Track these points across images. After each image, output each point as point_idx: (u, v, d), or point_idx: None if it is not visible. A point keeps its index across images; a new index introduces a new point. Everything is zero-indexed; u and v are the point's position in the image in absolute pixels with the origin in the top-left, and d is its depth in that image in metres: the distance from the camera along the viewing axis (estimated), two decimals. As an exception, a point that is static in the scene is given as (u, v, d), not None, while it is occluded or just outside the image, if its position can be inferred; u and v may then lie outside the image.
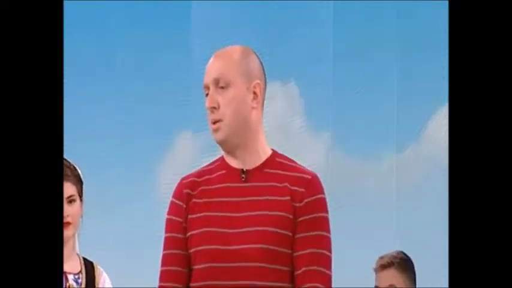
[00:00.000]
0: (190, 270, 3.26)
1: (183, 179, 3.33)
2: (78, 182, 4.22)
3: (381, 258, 4.66)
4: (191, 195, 3.27)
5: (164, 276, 3.31)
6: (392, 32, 8.10)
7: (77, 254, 4.27)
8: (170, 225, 3.31)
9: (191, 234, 3.24)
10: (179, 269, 3.27)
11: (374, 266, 4.68)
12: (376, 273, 4.67)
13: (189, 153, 7.20)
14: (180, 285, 3.26)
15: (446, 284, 3.21)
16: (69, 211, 4.12)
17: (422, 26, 7.62)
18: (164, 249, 3.31)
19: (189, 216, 3.26)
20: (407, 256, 4.71)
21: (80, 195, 4.24)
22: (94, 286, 4.21)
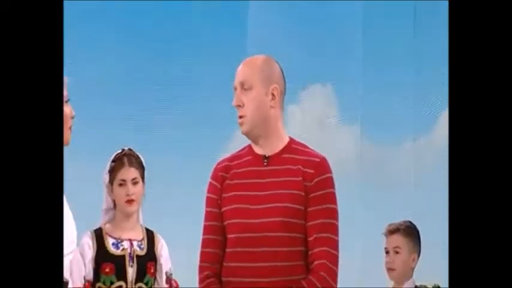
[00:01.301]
0: (225, 238, 3.36)
1: (218, 163, 3.46)
2: (141, 168, 4.18)
3: (389, 225, 4.61)
4: (225, 177, 3.40)
5: (205, 243, 3.42)
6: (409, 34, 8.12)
7: (140, 225, 4.22)
8: (209, 202, 3.43)
9: (225, 210, 3.35)
10: (216, 237, 3.38)
11: (384, 231, 4.60)
12: (385, 237, 4.59)
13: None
14: (217, 251, 3.37)
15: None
16: (134, 191, 4.09)
17: (436, 26, 7.49)
18: (205, 221, 3.43)
19: (223, 195, 3.37)
20: (413, 224, 4.63)
21: (142, 178, 4.17)
22: (154, 250, 4.16)
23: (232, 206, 3.33)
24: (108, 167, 4.12)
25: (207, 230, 3.41)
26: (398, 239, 4.44)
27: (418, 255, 4.49)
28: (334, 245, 3.27)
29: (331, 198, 3.32)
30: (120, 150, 4.15)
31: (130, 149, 4.18)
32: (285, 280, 3.23)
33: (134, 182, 4.09)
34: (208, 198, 3.44)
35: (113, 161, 4.12)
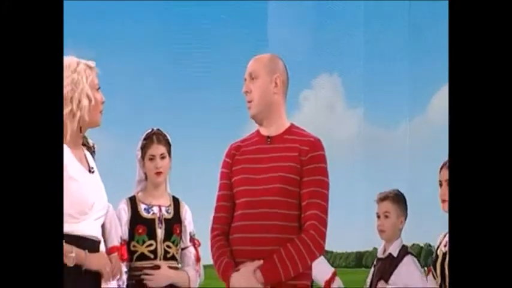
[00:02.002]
0: (234, 205, 3.41)
1: (232, 144, 3.54)
2: (167, 144, 4.19)
3: (380, 193, 4.57)
4: (235, 154, 3.47)
5: (217, 209, 3.48)
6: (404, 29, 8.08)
7: (168, 193, 4.24)
8: (222, 175, 3.50)
9: (234, 180, 3.42)
10: (227, 204, 3.45)
11: (375, 198, 4.57)
12: (377, 204, 4.55)
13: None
14: (226, 215, 3.43)
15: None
16: (161, 164, 4.13)
17: (429, 14, 7.48)
18: (218, 191, 3.50)
19: (233, 168, 3.44)
20: (400, 192, 4.57)
21: (169, 153, 4.19)
22: (179, 215, 4.20)
23: (240, 176, 3.37)
24: (139, 145, 4.14)
25: (219, 198, 3.46)
26: (388, 205, 4.43)
27: (405, 219, 4.46)
28: (323, 209, 3.30)
29: (322, 171, 3.35)
30: (149, 130, 4.18)
31: (158, 129, 4.20)
32: (280, 237, 3.24)
33: (162, 157, 4.10)
34: (222, 172, 3.49)
35: (144, 139, 4.14)
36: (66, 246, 2.99)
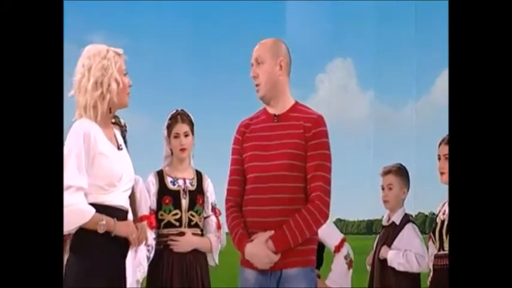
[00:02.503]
0: (245, 178, 3.40)
1: (242, 121, 3.51)
2: (191, 124, 4.21)
3: (384, 167, 4.55)
4: (245, 132, 3.45)
5: (230, 182, 3.47)
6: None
7: (191, 167, 4.27)
8: (233, 151, 3.48)
9: (245, 156, 3.41)
10: (239, 177, 3.43)
11: (380, 172, 4.57)
12: (381, 177, 4.54)
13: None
14: (238, 188, 3.42)
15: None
16: (185, 141, 4.16)
17: (435, 5, 7.47)
18: (230, 166, 3.49)
19: (244, 145, 3.43)
20: (403, 166, 4.54)
21: (192, 132, 4.20)
22: (202, 187, 4.23)
23: (250, 153, 3.36)
24: (166, 124, 4.17)
25: (232, 172, 3.45)
26: (391, 178, 4.42)
27: (407, 190, 4.46)
28: (327, 181, 3.30)
29: (325, 146, 3.33)
30: (174, 111, 4.19)
31: (182, 110, 4.21)
32: (288, 209, 3.24)
33: (185, 135, 4.13)
34: (233, 148, 3.47)
35: (169, 119, 4.16)
36: (97, 215, 3.02)
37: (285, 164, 3.28)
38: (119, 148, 3.22)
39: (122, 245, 3.13)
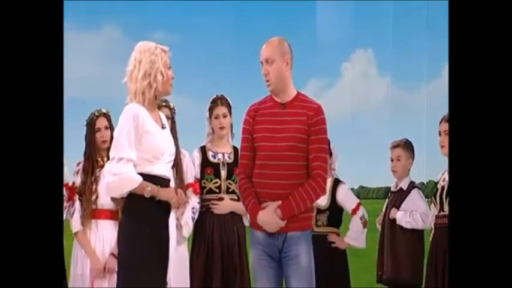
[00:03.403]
0: (255, 154, 3.39)
1: (251, 106, 3.49)
2: (229, 106, 4.20)
3: (393, 142, 4.47)
4: (255, 115, 3.42)
5: (242, 157, 3.46)
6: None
7: (229, 143, 4.26)
8: (244, 131, 3.46)
9: (255, 136, 3.39)
10: (249, 153, 3.42)
11: (389, 146, 4.48)
12: (390, 150, 4.45)
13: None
14: (249, 162, 3.40)
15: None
16: (224, 121, 4.16)
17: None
18: (242, 143, 3.47)
19: (254, 127, 3.40)
20: (409, 141, 4.46)
21: (230, 113, 4.20)
22: (237, 161, 4.06)
23: (260, 134, 3.35)
24: (208, 107, 4.17)
25: (243, 149, 3.44)
26: (399, 151, 4.37)
27: (413, 160, 4.40)
28: (325, 160, 3.32)
29: (324, 131, 3.34)
30: (215, 96, 4.19)
31: (222, 94, 4.21)
32: (292, 183, 3.27)
33: (224, 116, 4.14)
34: (244, 128, 3.45)
35: (211, 102, 4.17)
36: (144, 182, 3.05)
37: (289, 145, 3.28)
38: (162, 127, 3.23)
39: (165, 208, 3.15)
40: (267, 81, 3.37)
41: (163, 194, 3.11)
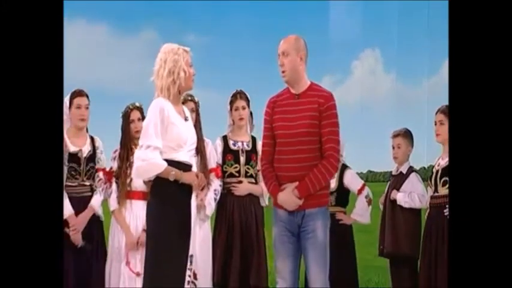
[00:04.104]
0: (275, 142, 3.38)
1: (270, 98, 3.47)
2: (247, 100, 4.18)
3: (394, 131, 4.43)
4: (274, 106, 3.41)
5: (264, 145, 3.45)
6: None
7: (248, 133, 4.24)
8: (265, 121, 3.45)
9: (274, 125, 3.38)
10: (270, 141, 3.41)
11: (390, 135, 4.43)
12: (392, 139, 4.41)
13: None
14: (270, 149, 3.40)
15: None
16: (243, 113, 4.15)
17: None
18: (263, 132, 3.46)
19: (274, 117, 3.39)
20: (408, 130, 4.41)
21: (248, 106, 4.19)
22: (255, 148, 4.17)
23: (278, 123, 3.34)
24: (228, 100, 4.17)
25: (264, 137, 3.44)
26: (400, 140, 4.34)
27: (412, 148, 4.35)
28: (337, 142, 3.28)
29: (334, 116, 3.30)
30: (235, 90, 4.18)
31: (241, 89, 4.20)
32: (307, 165, 3.24)
33: (243, 108, 4.13)
34: (265, 119, 3.45)
35: (231, 96, 4.16)
36: (169, 167, 3.07)
37: (303, 131, 3.27)
38: (185, 119, 3.24)
39: (187, 190, 3.16)
40: (282, 72, 3.35)
41: (185, 177, 3.11)
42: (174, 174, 3.07)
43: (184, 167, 3.15)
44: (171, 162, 3.09)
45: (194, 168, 3.26)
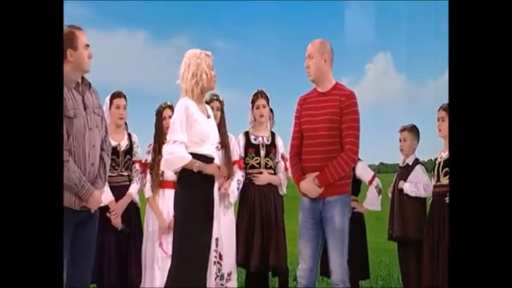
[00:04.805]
0: (303, 136, 3.33)
1: (301, 97, 3.43)
2: (267, 99, 4.11)
3: (402, 126, 4.35)
4: (303, 104, 3.37)
5: (293, 139, 3.40)
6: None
7: (268, 129, 4.20)
8: (295, 117, 3.40)
9: (302, 120, 3.35)
10: (298, 135, 3.37)
11: (398, 129, 4.35)
12: (399, 133, 4.33)
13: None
14: (298, 142, 3.36)
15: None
16: (263, 111, 4.09)
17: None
18: (293, 127, 3.41)
19: (301, 113, 3.35)
20: (415, 126, 4.33)
21: (268, 104, 4.13)
22: (274, 142, 4.15)
23: (304, 119, 3.32)
24: (250, 99, 4.13)
25: (293, 132, 3.39)
26: (406, 134, 4.26)
27: (417, 142, 4.28)
28: (356, 137, 3.22)
29: (354, 113, 3.24)
30: (256, 90, 4.14)
31: (262, 90, 4.15)
32: (329, 156, 3.20)
33: (263, 106, 4.09)
34: (295, 115, 3.40)
35: (253, 96, 4.12)
36: (193, 160, 3.06)
37: (325, 127, 3.23)
38: (208, 117, 3.23)
39: (210, 179, 3.15)
40: (308, 72, 3.32)
41: (208, 168, 3.11)
42: (197, 165, 3.06)
43: (207, 159, 3.14)
44: (195, 155, 3.09)
45: (217, 161, 3.24)
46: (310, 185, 3.20)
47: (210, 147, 3.18)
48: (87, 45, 2.86)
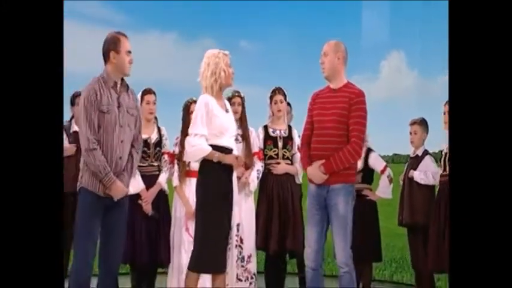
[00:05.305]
0: (314, 127, 3.31)
1: (314, 92, 3.38)
2: (284, 95, 4.08)
3: (412, 119, 4.28)
4: (315, 99, 3.34)
5: (304, 130, 3.37)
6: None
7: (285, 122, 4.15)
8: (308, 111, 3.37)
9: (313, 113, 3.31)
10: (310, 126, 3.33)
11: (409, 123, 4.28)
12: (409, 126, 4.27)
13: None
14: (309, 133, 3.33)
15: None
16: (281, 106, 4.05)
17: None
18: (306, 119, 3.38)
19: (314, 106, 3.32)
20: (424, 119, 4.26)
21: (285, 99, 4.10)
22: (291, 135, 4.11)
23: (316, 112, 3.29)
24: (269, 95, 4.10)
25: (306, 123, 3.37)
26: (416, 127, 4.20)
27: (427, 134, 4.21)
28: (361, 131, 3.20)
29: (362, 110, 3.21)
30: (274, 87, 4.10)
31: (279, 87, 4.11)
32: (334, 147, 3.18)
33: (281, 102, 4.05)
34: (308, 109, 3.38)
35: (271, 92, 4.09)
36: (213, 151, 3.07)
37: (334, 120, 3.21)
38: (226, 111, 3.22)
39: (229, 169, 3.15)
40: (323, 68, 3.28)
41: (227, 159, 3.10)
42: (217, 156, 3.06)
43: (226, 150, 3.13)
44: (215, 147, 3.09)
45: (235, 152, 3.23)
46: (316, 171, 3.18)
47: (229, 139, 3.16)
48: (129, 52, 2.92)
